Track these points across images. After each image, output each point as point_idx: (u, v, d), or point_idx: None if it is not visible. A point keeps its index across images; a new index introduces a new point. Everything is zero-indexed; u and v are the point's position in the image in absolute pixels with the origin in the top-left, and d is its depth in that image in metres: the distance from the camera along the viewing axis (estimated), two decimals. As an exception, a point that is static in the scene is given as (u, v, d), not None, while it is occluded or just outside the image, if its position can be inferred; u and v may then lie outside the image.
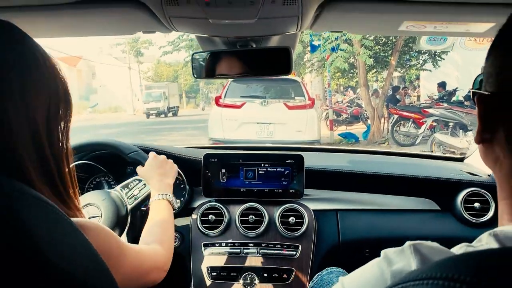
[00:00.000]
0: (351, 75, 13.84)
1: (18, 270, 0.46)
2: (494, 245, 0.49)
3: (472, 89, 0.58)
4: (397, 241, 1.31)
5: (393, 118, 9.86)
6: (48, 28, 0.99)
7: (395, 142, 9.63)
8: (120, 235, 1.16)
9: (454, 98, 10.01)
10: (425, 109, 9.04)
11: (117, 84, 32.97)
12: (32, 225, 0.48)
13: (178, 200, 1.44)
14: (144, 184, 1.25)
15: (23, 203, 0.49)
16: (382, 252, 0.55)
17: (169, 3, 0.83)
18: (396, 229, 1.37)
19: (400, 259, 0.51)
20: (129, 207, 1.19)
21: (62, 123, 0.66)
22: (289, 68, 1.02)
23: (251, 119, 6.58)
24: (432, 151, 7.09)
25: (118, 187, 1.21)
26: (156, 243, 0.94)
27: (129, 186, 1.25)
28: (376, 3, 0.86)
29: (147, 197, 1.20)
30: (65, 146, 0.67)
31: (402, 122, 9.56)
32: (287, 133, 6.63)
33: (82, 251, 0.55)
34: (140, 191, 1.24)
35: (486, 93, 0.53)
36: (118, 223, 1.14)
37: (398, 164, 1.62)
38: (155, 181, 1.14)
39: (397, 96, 11.15)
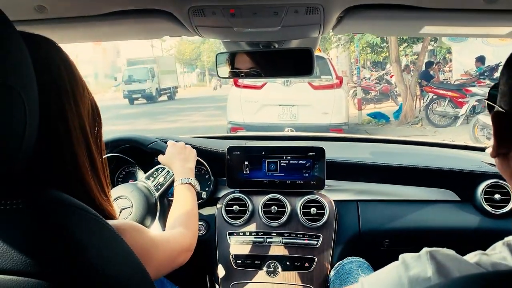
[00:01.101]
0: (380, 49, 13.63)
1: (72, 283, 0.52)
2: (507, 254, 0.56)
3: (487, 100, 0.64)
4: (417, 232, 1.46)
5: (428, 96, 9.70)
6: (85, 35, 1.15)
7: (430, 123, 9.47)
8: (152, 222, 1.33)
9: (496, 74, 9.69)
10: (466, 88, 8.85)
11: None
12: (82, 237, 0.54)
13: (203, 192, 1.61)
14: (168, 171, 1.41)
15: (71, 216, 0.55)
16: (400, 257, 0.61)
17: (196, 14, 0.96)
18: (415, 220, 1.49)
19: (417, 264, 0.57)
20: (156, 194, 1.35)
21: (97, 127, 0.78)
22: (311, 69, 1.15)
23: (272, 101, 6.50)
24: (474, 134, 7.00)
25: (143, 178, 1.38)
26: (181, 226, 1.08)
27: (154, 175, 1.41)
28: (396, 10, 0.95)
29: (172, 183, 1.36)
30: (102, 144, 0.79)
31: (438, 101, 9.39)
32: (312, 115, 6.52)
33: (123, 255, 0.62)
34: (164, 178, 1.40)
35: (502, 110, 0.58)
36: (149, 211, 1.30)
37: (418, 155, 1.73)
38: (178, 166, 1.29)
39: (431, 72, 10.91)
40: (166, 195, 1.47)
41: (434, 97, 9.37)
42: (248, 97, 6.55)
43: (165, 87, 23.68)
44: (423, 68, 10.90)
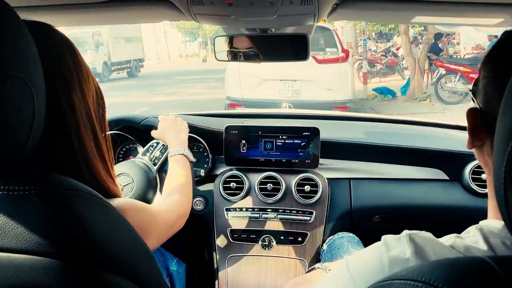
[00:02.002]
0: (389, 20, 13.55)
1: (80, 261, 0.58)
2: (479, 237, 0.61)
3: (472, 94, 0.69)
4: (406, 209, 1.62)
5: (438, 71, 9.71)
6: (86, 20, 1.26)
7: (439, 100, 9.46)
8: (154, 195, 1.47)
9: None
10: (481, 63, 8.79)
11: (143, 34, 32.57)
12: (88, 220, 0.61)
13: (202, 170, 1.75)
14: (163, 144, 1.54)
15: (78, 200, 0.61)
16: (383, 238, 0.68)
17: (194, 3, 1.06)
18: (405, 198, 1.64)
19: (397, 246, 0.63)
20: (154, 168, 1.50)
21: (101, 110, 0.85)
22: (306, 54, 1.28)
23: (273, 76, 6.35)
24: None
25: (139, 154, 1.53)
26: (176, 194, 1.20)
27: (149, 150, 1.56)
28: (387, 2, 1.04)
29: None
30: (106, 126, 0.87)
31: (448, 77, 9.38)
32: (316, 91, 6.43)
33: (126, 234, 0.69)
34: (161, 152, 1.54)
35: (478, 107, 0.65)
36: (149, 186, 1.45)
37: (411, 135, 1.87)
38: (171, 138, 1.40)
39: (440, 45, 10.82)
40: (164, 168, 1.59)
41: (444, 72, 9.37)
42: (248, 71, 6.42)
43: (121, 60, 19.32)
44: (433, 40, 10.85)
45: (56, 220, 0.57)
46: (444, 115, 8.38)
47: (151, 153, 1.55)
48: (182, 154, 1.35)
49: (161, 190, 1.50)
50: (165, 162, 1.54)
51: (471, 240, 0.62)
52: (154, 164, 1.53)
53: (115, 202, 0.82)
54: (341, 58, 6.81)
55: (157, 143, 1.56)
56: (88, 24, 1.31)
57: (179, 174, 1.29)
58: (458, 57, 11.18)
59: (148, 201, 1.46)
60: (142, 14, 1.23)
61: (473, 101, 0.68)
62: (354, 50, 14.68)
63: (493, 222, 0.64)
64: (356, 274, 0.67)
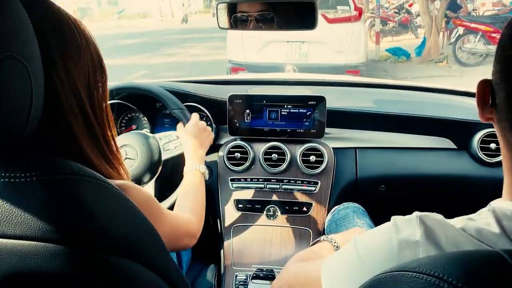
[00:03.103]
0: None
1: (85, 246, 0.60)
2: (491, 220, 0.62)
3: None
4: (412, 178, 1.71)
5: (457, 31, 9.55)
6: None
7: (457, 61, 9.33)
8: (149, 180, 1.51)
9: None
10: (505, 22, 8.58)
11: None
12: (91, 204, 0.63)
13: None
14: (180, 143, 1.57)
15: (81, 184, 0.63)
16: (392, 219, 0.70)
17: None
18: (411, 167, 1.71)
19: (407, 227, 0.65)
20: (163, 157, 1.54)
21: (100, 89, 0.82)
22: (314, 23, 1.31)
23: (279, 37, 6.20)
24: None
25: (157, 135, 1.57)
26: (189, 212, 1.21)
27: (168, 138, 1.59)
28: None
29: (179, 156, 1.55)
30: (104, 109, 0.83)
31: (467, 36, 9.23)
32: (325, 54, 6.31)
33: (130, 216, 0.71)
34: (176, 147, 1.58)
35: (489, 79, 0.67)
36: (150, 169, 1.49)
37: (419, 103, 1.93)
38: (191, 150, 1.45)
39: (458, 1, 10.60)
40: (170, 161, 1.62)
41: (463, 31, 9.22)
42: (251, 33, 6.15)
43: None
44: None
45: (59, 205, 0.59)
46: (461, 79, 8.31)
47: (168, 142, 1.58)
48: (200, 170, 1.40)
49: (156, 181, 1.53)
50: (173, 158, 1.57)
51: (482, 222, 0.63)
52: (164, 154, 1.55)
53: (117, 182, 0.82)
54: (354, 17, 6.66)
55: (177, 137, 1.59)
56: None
57: (195, 191, 1.33)
58: (477, 14, 10.94)
59: (140, 184, 1.49)
60: None
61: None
62: (365, 7, 14.43)
63: (507, 204, 0.65)
64: (365, 254, 0.69)
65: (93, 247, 0.61)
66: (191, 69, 10.14)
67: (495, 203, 0.67)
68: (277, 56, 6.31)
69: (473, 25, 9.12)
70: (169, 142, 1.58)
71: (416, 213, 0.66)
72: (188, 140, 1.48)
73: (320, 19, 6.62)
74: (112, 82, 1.56)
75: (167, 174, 1.62)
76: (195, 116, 1.58)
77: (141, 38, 16.74)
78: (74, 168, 0.64)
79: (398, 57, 10.18)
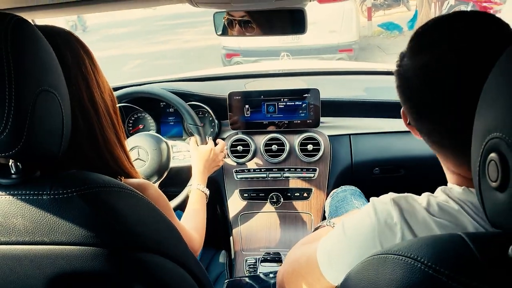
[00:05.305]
0: None
1: (121, 247, 0.71)
2: (448, 198, 0.73)
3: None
4: (403, 160, 1.86)
5: (448, 2, 9.59)
6: (84, 10, 1.39)
7: (449, 33, 9.44)
8: (154, 183, 1.60)
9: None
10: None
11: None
12: (123, 211, 0.73)
13: (209, 137, 1.96)
14: (189, 156, 1.68)
15: (112, 195, 0.73)
16: (371, 200, 0.79)
17: None
18: (403, 149, 1.84)
19: (384, 210, 0.74)
20: (170, 164, 1.66)
21: (98, 90, 0.89)
22: (304, 28, 1.43)
23: None
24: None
25: (170, 142, 1.69)
26: (192, 230, 1.30)
27: (179, 148, 1.71)
28: None
29: (184, 168, 1.68)
30: (118, 117, 0.95)
31: (460, 7, 9.27)
32: (318, 35, 6.37)
33: (154, 217, 0.81)
34: (184, 158, 1.69)
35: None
36: (157, 172, 1.62)
37: None
38: (200, 171, 1.55)
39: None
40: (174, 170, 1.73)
41: (454, 2, 9.25)
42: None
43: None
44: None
45: (96, 214, 0.68)
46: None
47: (178, 152, 1.69)
48: (204, 192, 1.51)
49: (159, 186, 1.62)
50: (178, 167, 1.70)
51: (442, 199, 0.74)
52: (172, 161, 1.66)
53: (132, 181, 0.93)
54: (345, -6, 6.71)
55: (188, 151, 1.69)
56: (86, 13, 1.45)
57: (199, 211, 1.44)
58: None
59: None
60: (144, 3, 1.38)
61: None
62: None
63: (456, 187, 0.76)
64: (350, 234, 0.78)
65: (126, 246, 0.71)
66: (185, 56, 10.17)
67: (445, 187, 0.77)
68: (270, 39, 6.28)
69: (465, -6, 9.12)
70: (179, 152, 1.71)
71: (390, 196, 0.76)
72: (200, 162, 1.58)
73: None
74: (107, 74, 1.66)
75: (169, 180, 1.74)
76: (210, 144, 1.68)
77: (132, 26, 16.62)
78: (105, 180, 0.74)
79: (390, 32, 10.22)
